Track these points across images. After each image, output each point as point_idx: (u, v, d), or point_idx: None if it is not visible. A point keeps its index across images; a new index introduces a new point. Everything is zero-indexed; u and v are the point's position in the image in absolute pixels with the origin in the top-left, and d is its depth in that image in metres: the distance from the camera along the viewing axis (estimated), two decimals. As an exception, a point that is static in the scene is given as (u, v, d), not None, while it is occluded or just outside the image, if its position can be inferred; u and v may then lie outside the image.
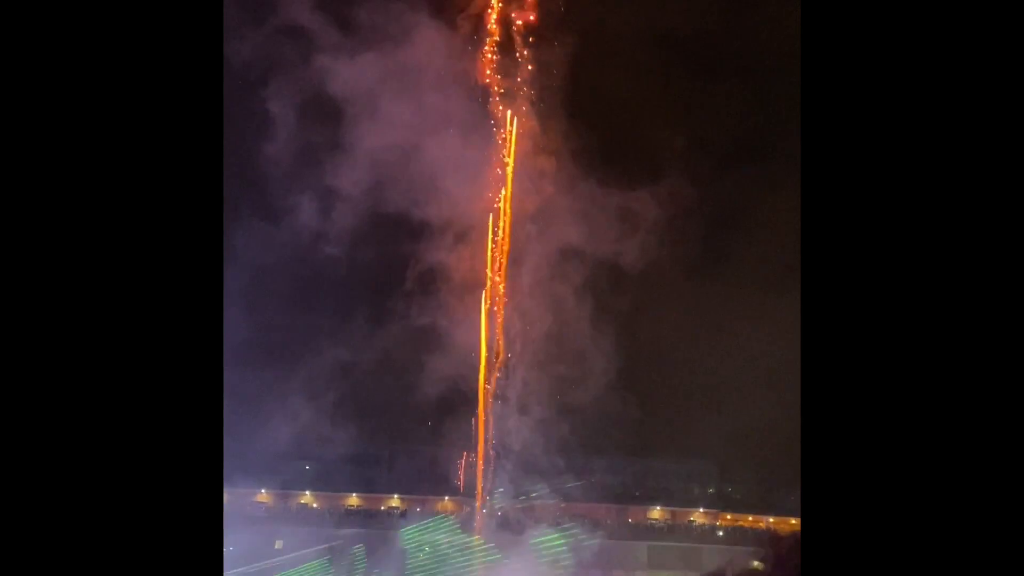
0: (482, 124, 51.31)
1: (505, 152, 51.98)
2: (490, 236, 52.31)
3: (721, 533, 64.18)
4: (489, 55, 51.08)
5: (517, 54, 51.38)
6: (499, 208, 52.60)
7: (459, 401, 54.57)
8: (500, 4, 51.39)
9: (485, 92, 51.38)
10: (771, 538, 57.84)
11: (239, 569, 52.23)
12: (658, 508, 64.86)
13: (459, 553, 54.76)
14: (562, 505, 60.97)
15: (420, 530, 56.82)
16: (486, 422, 54.71)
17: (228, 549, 53.20)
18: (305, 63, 47.17)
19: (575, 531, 57.73)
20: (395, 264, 52.79)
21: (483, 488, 56.96)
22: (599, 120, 51.84)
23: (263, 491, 63.86)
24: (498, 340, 52.98)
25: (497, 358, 52.98)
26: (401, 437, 63.15)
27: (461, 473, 60.69)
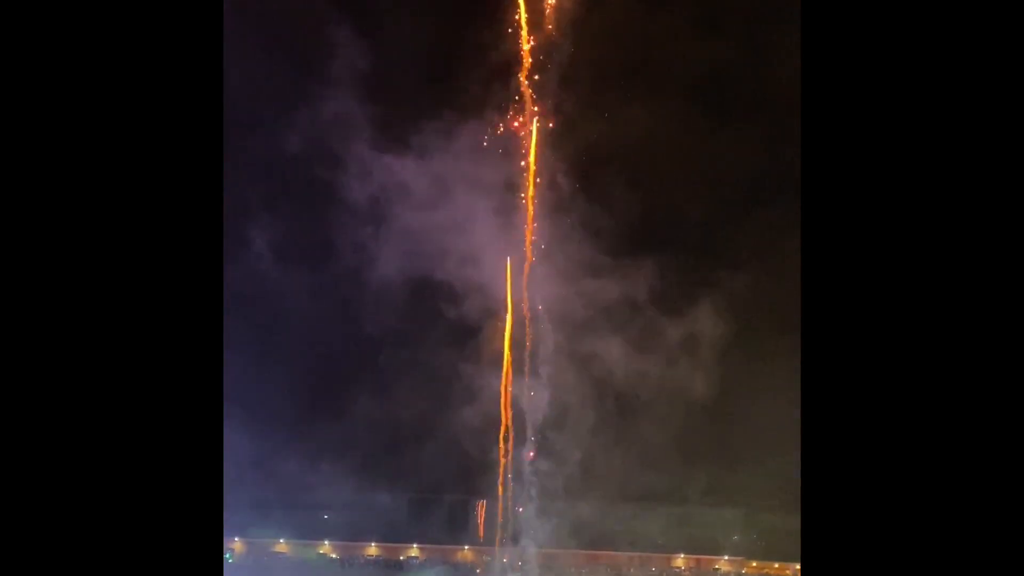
0: (507, 201, 53.69)
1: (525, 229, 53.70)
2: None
3: (747, 582, 62.98)
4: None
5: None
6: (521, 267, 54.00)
7: (479, 450, 54.79)
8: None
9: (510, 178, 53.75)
10: None
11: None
12: (682, 556, 63.75)
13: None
14: (583, 554, 60.21)
15: None
16: (508, 472, 54.56)
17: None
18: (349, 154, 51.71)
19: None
20: (422, 323, 55.08)
21: (504, 538, 56.43)
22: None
23: (282, 540, 63.48)
24: (523, 400, 53.75)
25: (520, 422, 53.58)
26: (422, 487, 62.94)
27: (481, 523, 60.15)
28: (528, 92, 53.26)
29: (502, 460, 54.28)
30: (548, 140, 53.40)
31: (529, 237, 53.62)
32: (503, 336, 54.03)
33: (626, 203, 53.38)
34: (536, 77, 52.78)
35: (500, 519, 56.23)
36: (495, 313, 53.50)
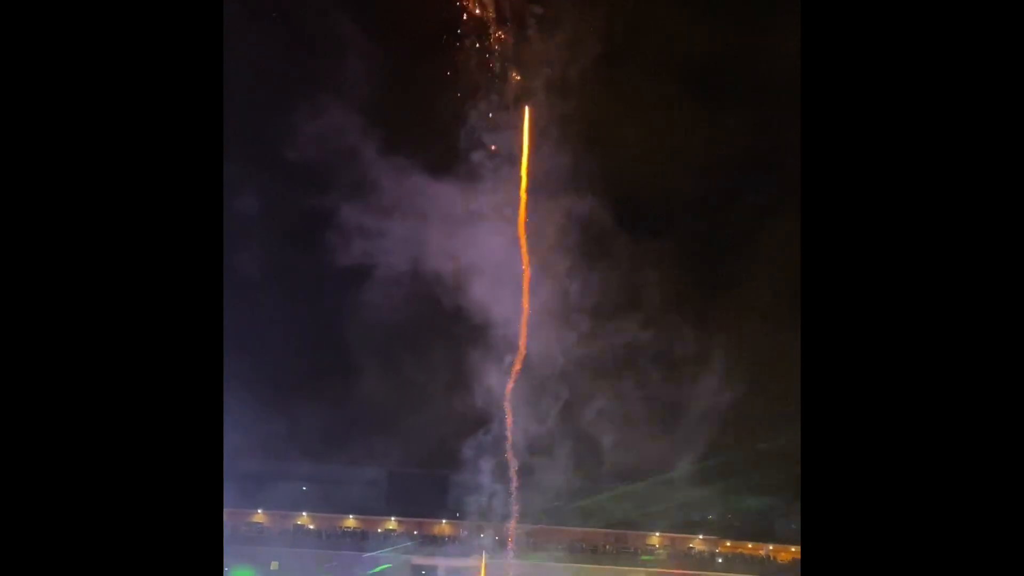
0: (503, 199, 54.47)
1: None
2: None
3: (721, 560, 63.76)
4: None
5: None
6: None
7: (460, 428, 55.27)
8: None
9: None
10: None
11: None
12: (657, 534, 64.43)
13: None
14: (560, 530, 60.83)
15: None
16: (487, 449, 55.01)
17: (223, 570, 52.87)
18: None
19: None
20: (412, 312, 55.26)
21: (480, 512, 56.88)
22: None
23: (260, 511, 63.64)
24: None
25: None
26: (402, 462, 63.32)
27: (459, 497, 60.66)
28: (519, 78, 53.23)
29: (481, 438, 54.63)
30: (541, 131, 53.58)
31: (523, 235, 53.93)
32: (494, 328, 54.42)
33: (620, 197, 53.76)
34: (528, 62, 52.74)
35: (477, 495, 56.65)
36: (489, 308, 53.83)
